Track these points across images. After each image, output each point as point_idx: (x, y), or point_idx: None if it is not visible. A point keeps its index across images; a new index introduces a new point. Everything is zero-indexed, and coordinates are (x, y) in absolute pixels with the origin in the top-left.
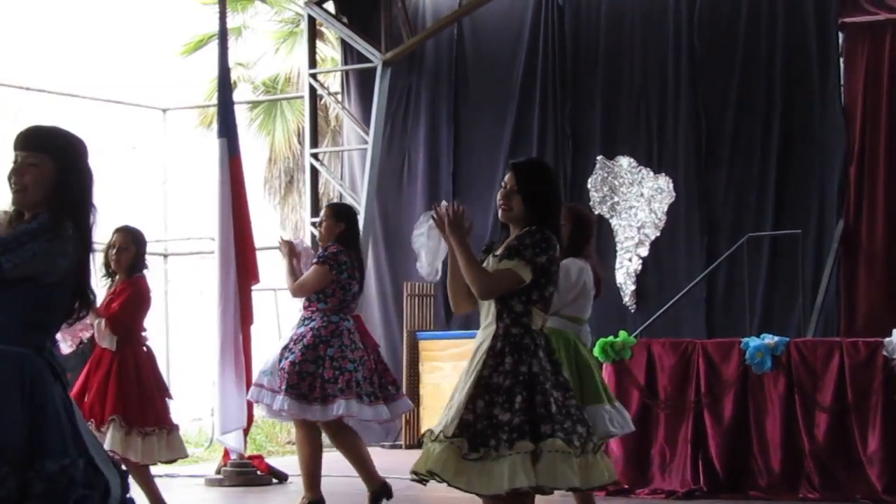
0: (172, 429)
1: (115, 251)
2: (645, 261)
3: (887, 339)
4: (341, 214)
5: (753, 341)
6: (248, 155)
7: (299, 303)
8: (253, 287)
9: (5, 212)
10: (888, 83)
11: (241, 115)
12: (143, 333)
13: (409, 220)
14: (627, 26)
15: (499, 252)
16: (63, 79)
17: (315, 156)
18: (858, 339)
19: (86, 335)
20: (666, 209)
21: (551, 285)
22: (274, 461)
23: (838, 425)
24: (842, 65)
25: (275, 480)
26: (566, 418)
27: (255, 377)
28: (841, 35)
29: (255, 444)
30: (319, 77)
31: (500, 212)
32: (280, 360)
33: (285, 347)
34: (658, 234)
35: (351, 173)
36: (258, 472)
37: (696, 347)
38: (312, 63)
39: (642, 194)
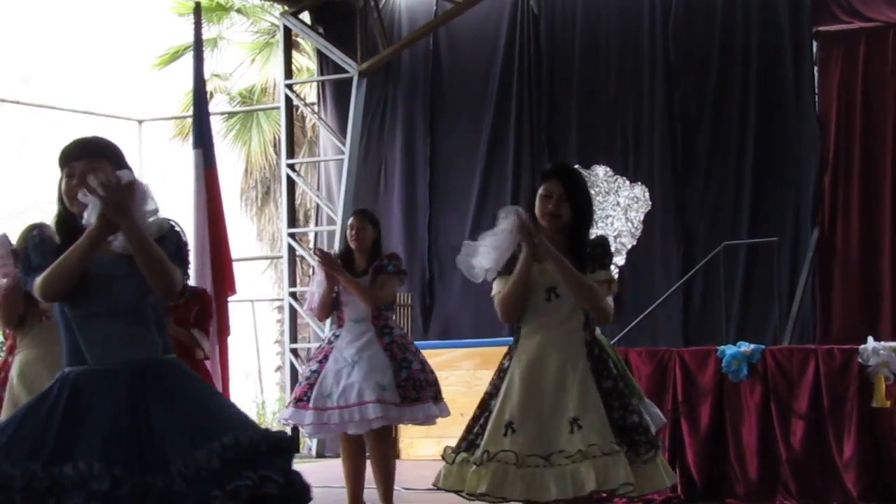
0: None
1: None
2: (621, 270)
3: (862, 347)
4: (376, 220)
5: (730, 349)
6: (224, 166)
7: (277, 314)
8: (229, 298)
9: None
10: (862, 91)
11: (217, 125)
12: None
13: (386, 229)
14: (603, 36)
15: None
16: (38, 91)
17: (291, 166)
18: (834, 347)
19: None
20: (642, 218)
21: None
22: None
23: (814, 432)
24: (816, 73)
25: None
26: None
27: (367, 393)
28: (815, 43)
29: None
30: (295, 87)
31: (546, 220)
32: (399, 371)
33: (393, 359)
34: (634, 242)
35: (327, 184)
36: None
37: (673, 356)
38: (288, 73)
39: (618, 203)
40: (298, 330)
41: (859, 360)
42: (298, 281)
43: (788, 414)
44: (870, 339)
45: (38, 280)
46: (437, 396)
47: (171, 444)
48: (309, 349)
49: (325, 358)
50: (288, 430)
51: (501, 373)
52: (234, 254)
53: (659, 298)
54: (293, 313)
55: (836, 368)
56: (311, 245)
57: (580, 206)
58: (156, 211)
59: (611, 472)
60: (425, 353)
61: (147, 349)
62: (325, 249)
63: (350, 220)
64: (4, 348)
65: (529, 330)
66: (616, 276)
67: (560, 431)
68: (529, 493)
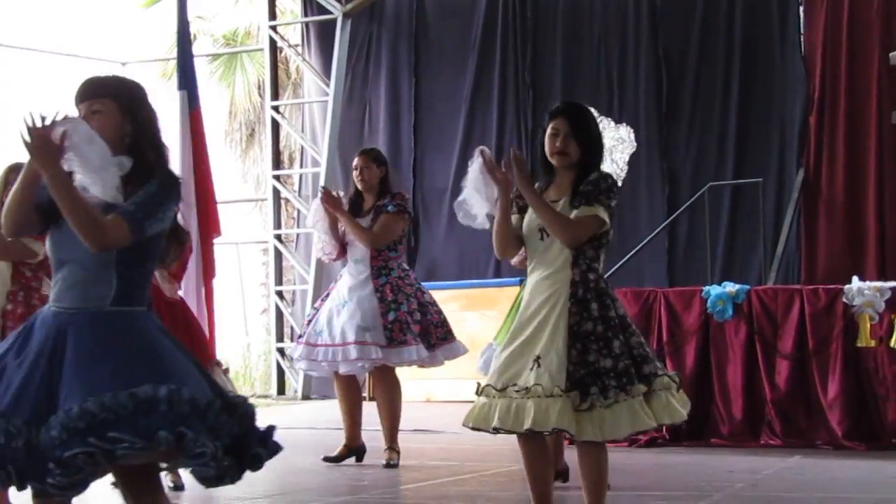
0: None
1: None
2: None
3: (847, 287)
4: (381, 159)
5: (715, 289)
6: (208, 108)
7: (262, 256)
8: (214, 240)
9: None
10: (848, 31)
11: (202, 68)
12: None
13: None
14: None
15: (555, 198)
16: (20, 32)
17: (276, 108)
18: (819, 287)
19: None
20: (627, 159)
21: (612, 229)
22: None
23: (799, 372)
24: (801, 13)
25: None
26: (655, 356)
27: (349, 335)
28: None
29: None
30: (279, 29)
31: (555, 158)
32: (386, 314)
33: (382, 300)
34: (619, 184)
35: (312, 125)
36: None
37: (658, 296)
38: (272, 15)
39: (604, 144)
40: (284, 272)
41: (844, 300)
42: (283, 223)
43: (773, 354)
44: (855, 278)
45: None
46: (431, 339)
47: (64, 401)
48: (294, 291)
49: (328, 296)
50: (300, 365)
51: None
52: (219, 196)
53: (644, 239)
54: (278, 255)
55: (821, 308)
56: (296, 187)
57: (587, 144)
58: (100, 167)
59: (547, 415)
60: None
61: (89, 298)
62: (329, 189)
63: (355, 161)
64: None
65: (531, 270)
66: (604, 215)
67: (525, 368)
68: (477, 421)
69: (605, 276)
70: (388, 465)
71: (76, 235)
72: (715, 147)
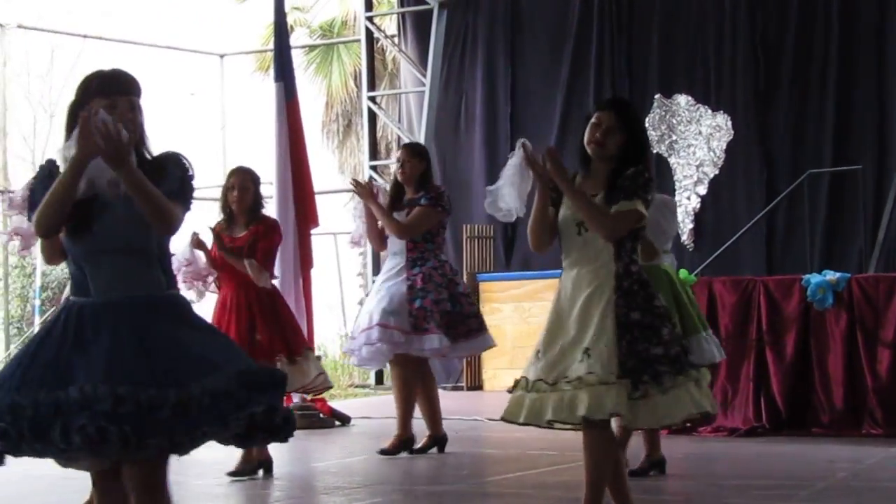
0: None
1: (235, 192)
2: (703, 199)
3: None
4: (423, 153)
5: (815, 278)
6: (305, 99)
7: (358, 247)
8: (312, 231)
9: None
10: None
11: (298, 59)
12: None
13: (467, 162)
14: None
15: (592, 193)
16: (121, 26)
17: (372, 99)
18: None
19: (207, 285)
20: (724, 147)
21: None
22: (336, 404)
23: None
24: None
25: (338, 423)
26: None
27: (374, 318)
28: None
29: None
30: (376, 20)
31: (591, 147)
32: (413, 300)
33: (411, 288)
34: (717, 172)
35: (408, 116)
36: (321, 415)
37: (757, 285)
38: (368, 6)
39: (700, 132)
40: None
41: None
42: None
43: (875, 342)
44: None
45: (34, 215)
46: (457, 330)
47: (179, 365)
48: None
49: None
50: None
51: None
52: (317, 187)
53: (742, 227)
54: None
55: None
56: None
57: (630, 140)
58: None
59: (601, 401)
60: (507, 284)
61: (149, 286)
62: (358, 181)
63: (398, 154)
64: None
65: (567, 265)
66: (643, 209)
67: (574, 360)
68: (529, 416)
69: (706, 263)
70: (382, 451)
71: (122, 230)
72: (813, 134)
